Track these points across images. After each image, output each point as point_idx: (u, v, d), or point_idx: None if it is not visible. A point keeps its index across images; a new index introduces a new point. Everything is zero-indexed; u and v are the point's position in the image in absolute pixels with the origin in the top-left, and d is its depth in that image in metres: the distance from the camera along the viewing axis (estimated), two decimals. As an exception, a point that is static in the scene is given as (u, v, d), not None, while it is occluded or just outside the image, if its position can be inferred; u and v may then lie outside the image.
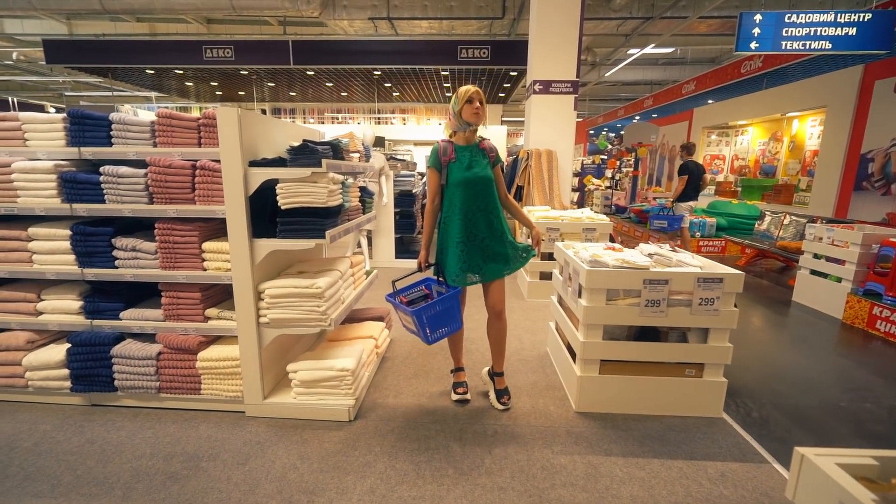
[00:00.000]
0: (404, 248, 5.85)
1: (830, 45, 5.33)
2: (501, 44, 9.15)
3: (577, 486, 1.76)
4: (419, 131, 15.62)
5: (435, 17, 9.11)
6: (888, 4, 6.37)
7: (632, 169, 9.27)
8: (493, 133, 15.29)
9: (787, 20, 5.30)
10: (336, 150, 2.41)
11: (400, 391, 2.51)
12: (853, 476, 0.73)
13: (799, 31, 5.32)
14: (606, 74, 13.53)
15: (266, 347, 2.20)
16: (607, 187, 10.90)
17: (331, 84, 13.30)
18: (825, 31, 5.30)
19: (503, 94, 14.15)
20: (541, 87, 5.52)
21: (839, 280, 3.86)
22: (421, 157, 15.15)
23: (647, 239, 7.75)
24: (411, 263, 5.59)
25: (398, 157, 7.90)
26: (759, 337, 3.56)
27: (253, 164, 2.05)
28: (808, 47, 5.36)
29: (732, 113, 10.66)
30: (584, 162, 12.39)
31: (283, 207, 2.06)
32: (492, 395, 2.38)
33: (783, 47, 5.37)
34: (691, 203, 6.16)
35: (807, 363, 3.05)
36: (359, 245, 4.96)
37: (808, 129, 8.97)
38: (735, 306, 2.18)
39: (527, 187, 5.28)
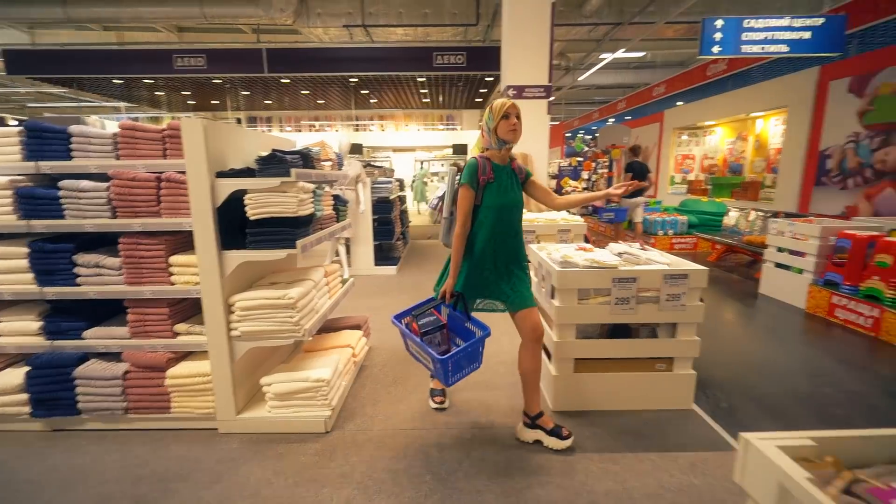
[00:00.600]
0: (383, 256, 5.84)
1: (787, 49, 5.58)
2: (476, 50, 9.25)
3: (553, 485, 1.78)
4: (398, 137, 15.66)
5: (410, 24, 9.17)
6: (839, 10, 6.70)
7: (606, 170, 9.47)
8: (472, 138, 15.47)
9: (746, 25, 5.53)
10: (306, 159, 2.40)
11: (378, 399, 2.50)
12: (792, 457, 0.76)
13: (757, 36, 5.55)
14: (580, 79, 13.82)
15: (238, 361, 2.16)
16: (584, 188, 11.08)
17: (307, 92, 13.22)
18: (782, 35, 5.55)
19: (480, 100, 14.31)
20: (514, 92, 5.60)
21: (801, 271, 4.02)
22: (400, 164, 15.18)
23: (622, 238, 7.91)
24: (391, 270, 5.66)
25: (376, 163, 7.88)
26: (728, 329, 3.67)
27: (220, 175, 2.03)
28: (766, 51, 5.60)
29: (701, 114, 10.99)
30: (561, 164, 12.60)
31: (252, 218, 2.04)
32: (550, 441, 2.01)
33: (743, 51, 5.59)
34: (639, 199, 6.45)
35: (773, 353, 3.16)
36: (337, 254, 4.92)
37: (771, 129, 9.32)
38: (701, 300, 2.25)
39: (503, 191, 5.35)
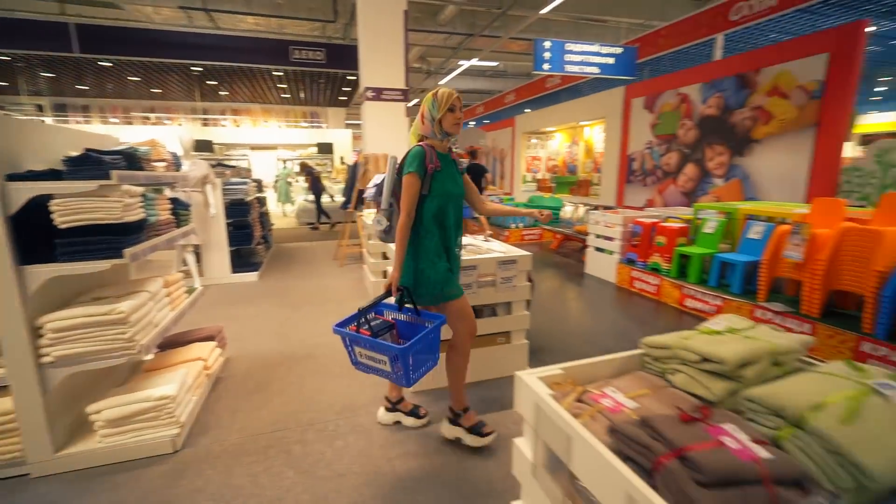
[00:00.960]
0: (243, 262, 5.45)
1: (598, 70, 6.79)
2: (337, 47, 9.12)
3: (411, 454, 1.98)
4: (256, 134, 14.48)
5: (260, 13, 8.60)
6: (634, 42, 8.36)
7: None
8: (339, 137, 15.13)
9: (567, 48, 6.57)
10: (131, 159, 2.18)
11: (237, 408, 2.41)
12: (546, 383, 1.06)
13: (577, 58, 6.64)
14: (440, 83, 14.60)
15: (54, 391, 1.88)
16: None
17: (137, 78, 11.40)
18: (594, 59, 6.73)
19: (345, 98, 14.10)
20: (373, 93, 5.74)
21: (612, 253, 5.01)
22: (260, 163, 14.06)
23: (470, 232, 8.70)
24: (251, 277, 5.32)
25: (228, 163, 7.25)
26: (559, 304, 4.39)
27: (14, 177, 1.74)
28: (584, 70, 6.73)
29: (544, 121, 12.53)
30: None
31: (62, 227, 1.80)
32: (469, 438, 2.03)
33: (566, 69, 6.63)
34: (483, 196, 7.28)
35: (590, 319, 3.91)
36: (184, 262, 4.46)
37: (596, 136, 11.15)
38: (529, 281, 2.70)
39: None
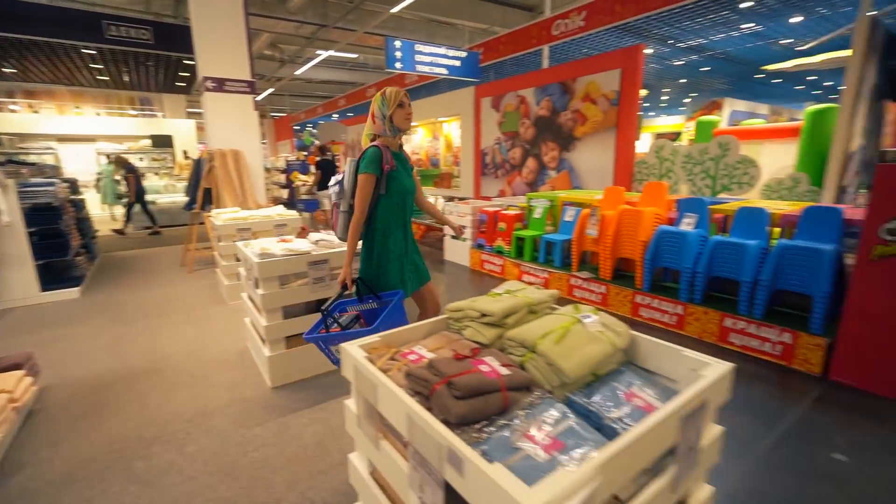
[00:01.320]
0: (56, 277, 4.61)
1: (447, 71, 7.33)
2: (167, 27, 8.05)
3: (268, 445, 2.06)
4: (65, 123, 11.89)
5: (56, -23, 7.13)
6: (478, 47, 9.17)
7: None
8: (181, 127, 13.33)
9: (417, 49, 6.93)
10: None
11: (60, 439, 2.15)
12: (365, 349, 1.29)
13: (426, 59, 7.06)
14: (297, 72, 13.93)
15: None
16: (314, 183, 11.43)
17: None
18: (442, 60, 7.24)
19: (183, 84, 12.47)
20: (214, 84, 5.31)
21: (465, 240, 5.57)
22: (74, 158, 11.59)
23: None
24: (71, 294, 4.51)
25: (24, 159, 5.95)
26: (423, 290, 4.77)
27: None
28: (433, 71, 7.19)
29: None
30: (289, 158, 12.54)
31: None
32: None
33: (418, 69, 7.00)
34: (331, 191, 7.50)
35: (447, 299, 4.33)
36: (-32, 283, 3.61)
37: (454, 131, 11.94)
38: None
39: (215, 189, 5.06)
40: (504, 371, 1.13)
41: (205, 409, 2.39)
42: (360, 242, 2.13)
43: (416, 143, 13.72)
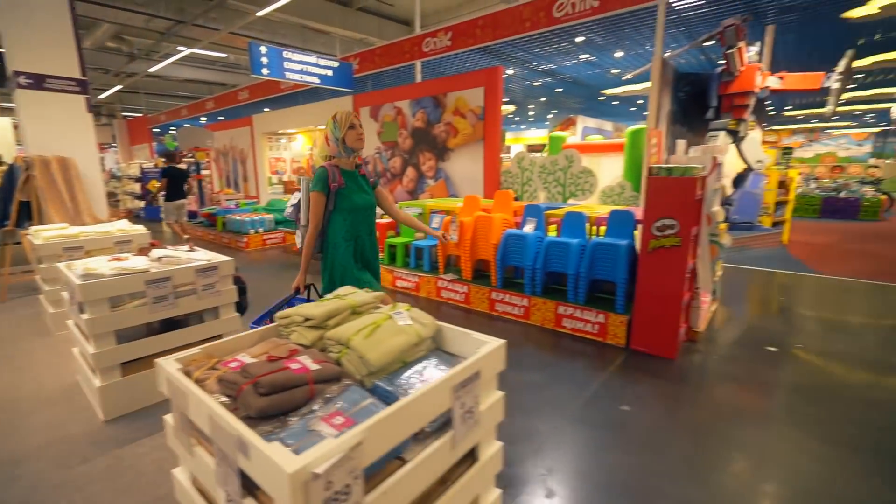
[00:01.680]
0: None
1: (319, 80, 7.26)
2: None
3: (95, 482, 1.90)
4: None
5: None
6: (352, 58, 9.24)
7: (196, 173, 9.22)
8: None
9: (286, 56, 6.76)
10: None
11: None
12: (185, 363, 1.32)
13: (296, 66, 6.92)
14: (153, 69, 12.46)
15: None
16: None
17: None
18: (313, 69, 7.16)
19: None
20: (30, 81, 4.55)
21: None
22: None
23: (220, 241, 8.08)
24: None
25: None
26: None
27: None
28: (304, 79, 7.08)
29: (284, 122, 12.38)
30: (145, 166, 11.12)
31: None
32: None
33: (287, 77, 6.83)
34: (181, 201, 7.11)
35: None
36: None
37: (335, 139, 11.80)
38: (238, 284, 2.85)
39: (35, 203, 4.33)
40: (314, 367, 1.26)
41: (11, 456, 2.09)
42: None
43: (297, 150, 13.22)
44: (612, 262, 3.33)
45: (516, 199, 6.09)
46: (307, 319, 1.50)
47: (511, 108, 17.40)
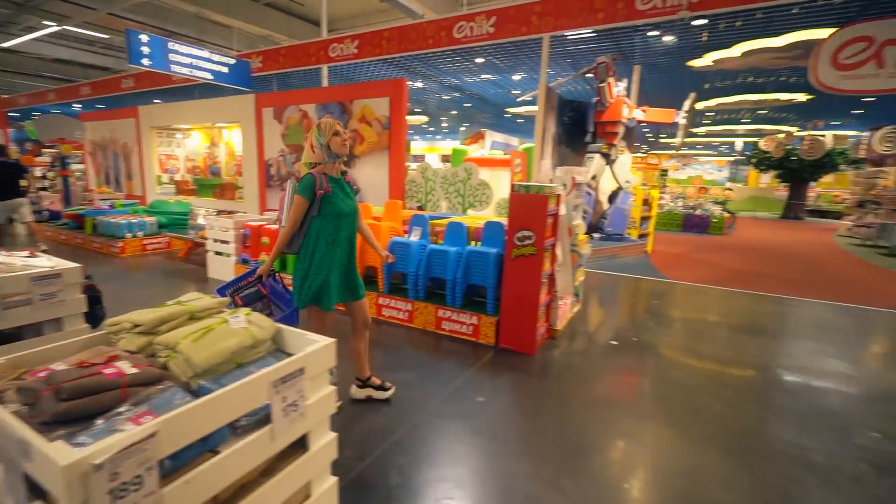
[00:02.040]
0: None
1: (211, 76, 6.89)
2: None
3: None
4: None
5: None
6: (255, 54, 8.88)
7: (60, 168, 8.11)
8: None
9: (171, 47, 6.31)
10: None
11: None
12: (-22, 374, 1.27)
13: (185, 59, 6.49)
14: (7, 44, 10.75)
15: None
16: (39, 189, 9.00)
17: None
18: (205, 64, 6.77)
19: None
20: None
21: (229, 255, 5.36)
22: None
23: (89, 245, 7.22)
24: None
25: None
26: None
27: None
28: (194, 74, 6.66)
29: (176, 116, 11.37)
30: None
31: None
32: (377, 393, 2.70)
33: (173, 70, 6.38)
34: (21, 199, 6.30)
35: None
36: None
37: (236, 138, 11.14)
38: (89, 293, 2.65)
39: None
40: (131, 371, 1.30)
41: None
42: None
43: (192, 148, 12.19)
44: (484, 269, 3.66)
45: (420, 207, 6.33)
46: (136, 326, 1.51)
47: (424, 118, 17.84)
